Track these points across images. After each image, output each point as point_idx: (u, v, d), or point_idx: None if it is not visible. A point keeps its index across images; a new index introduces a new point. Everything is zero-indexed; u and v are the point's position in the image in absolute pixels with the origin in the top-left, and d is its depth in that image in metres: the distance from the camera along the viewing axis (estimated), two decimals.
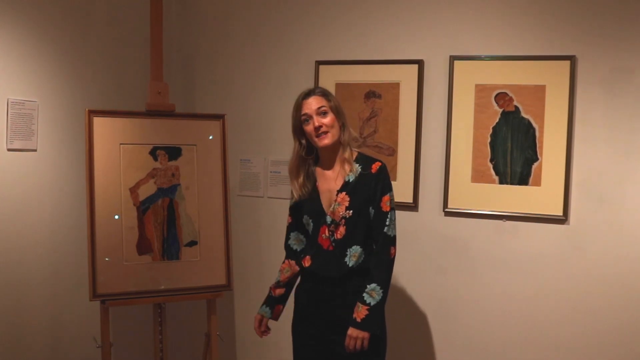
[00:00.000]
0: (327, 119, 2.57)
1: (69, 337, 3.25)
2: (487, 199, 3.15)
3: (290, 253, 2.80)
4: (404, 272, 3.32)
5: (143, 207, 3.09)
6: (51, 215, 3.13)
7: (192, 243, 3.17)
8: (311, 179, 2.67)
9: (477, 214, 3.17)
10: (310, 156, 2.67)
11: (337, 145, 2.61)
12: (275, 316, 2.81)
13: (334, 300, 2.59)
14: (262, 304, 2.81)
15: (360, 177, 2.58)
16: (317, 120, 2.56)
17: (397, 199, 3.24)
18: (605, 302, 2.98)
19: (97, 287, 2.95)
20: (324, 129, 2.56)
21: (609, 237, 2.98)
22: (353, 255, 2.57)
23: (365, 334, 2.48)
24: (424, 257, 3.29)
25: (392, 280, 3.31)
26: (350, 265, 2.56)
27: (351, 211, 2.56)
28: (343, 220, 2.57)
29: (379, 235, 2.55)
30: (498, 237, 3.15)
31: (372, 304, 2.49)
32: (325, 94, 2.64)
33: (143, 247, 3.08)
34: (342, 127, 2.61)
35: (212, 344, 3.20)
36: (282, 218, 3.54)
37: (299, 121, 2.61)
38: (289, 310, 2.79)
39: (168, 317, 3.31)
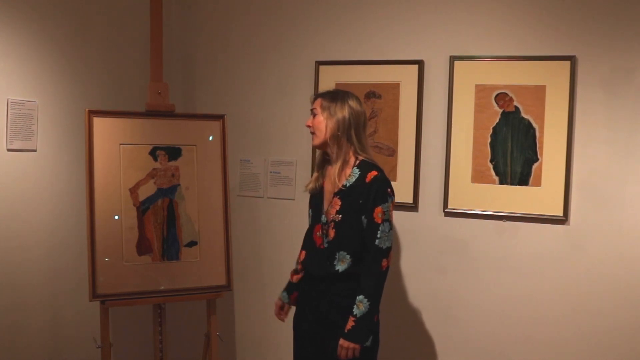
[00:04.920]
0: (313, 120, 2.67)
1: (69, 337, 3.25)
2: (487, 199, 3.14)
3: None
4: (404, 272, 3.32)
5: (143, 208, 3.09)
6: (51, 215, 3.13)
7: (192, 243, 3.17)
8: (323, 176, 2.72)
9: (477, 214, 3.17)
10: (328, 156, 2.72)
11: (333, 147, 2.63)
12: (293, 302, 2.83)
13: (322, 300, 2.62)
14: (283, 290, 2.86)
15: (355, 185, 2.58)
16: (309, 120, 2.69)
17: (397, 199, 3.25)
18: (605, 302, 2.98)
19: (97, 287, 2.95)
20: (311, 129, 2.69)
21: (609, 237, 2.98)
22: (342, 260, 2.58)
23: (355, 345, 2.49)
24: (424, 257, 3.29)
25: (392, 280, 3.33)
26: (337, 269, 2.58)
27: (340, 216, 2.58)
28: (332, 223, 2.60)
29: (370, 246, 2.54)
30: (498, 237, 3.15)
31: (358, 315, 2.50)
32: (325, 95, 2.69)
33: (143, 247, 3.08)
34: (341, 130, 2.60)
35: (212, 344, 3.20)
36: (282, 218, 3.56)
37: None
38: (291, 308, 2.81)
39: (168, 317, 3.31)
